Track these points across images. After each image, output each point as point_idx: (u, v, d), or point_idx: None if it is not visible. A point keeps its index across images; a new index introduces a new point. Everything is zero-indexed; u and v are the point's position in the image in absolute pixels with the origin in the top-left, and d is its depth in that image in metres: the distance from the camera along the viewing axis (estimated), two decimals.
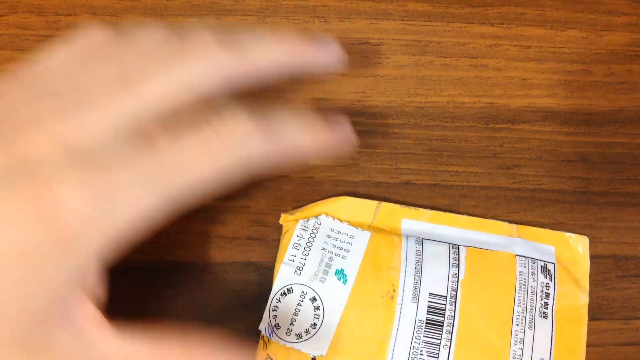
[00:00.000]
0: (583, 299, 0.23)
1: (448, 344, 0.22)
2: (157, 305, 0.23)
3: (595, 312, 0.24)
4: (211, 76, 0.17)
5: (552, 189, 0.25)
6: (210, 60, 0.17)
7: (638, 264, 0.24)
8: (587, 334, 0.23)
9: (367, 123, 0.26)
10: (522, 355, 0.22)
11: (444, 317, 0.22)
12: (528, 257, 0.23)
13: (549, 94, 0.26)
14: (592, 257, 0.24)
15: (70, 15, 0.26)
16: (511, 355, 0.22)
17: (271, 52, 0.18)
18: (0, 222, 0.14)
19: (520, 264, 0.23)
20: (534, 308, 0.22)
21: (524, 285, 0.22)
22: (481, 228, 0.24)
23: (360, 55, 0.26)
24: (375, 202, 0.24)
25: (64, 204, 0.15)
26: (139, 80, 0.16)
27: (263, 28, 0.19)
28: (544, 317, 0.22)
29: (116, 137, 0.16)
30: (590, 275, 0.24)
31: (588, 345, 0.23)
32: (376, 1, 0.27)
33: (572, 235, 0.24)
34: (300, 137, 0.18)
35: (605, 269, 0.24)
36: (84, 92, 0.16)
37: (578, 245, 0.24)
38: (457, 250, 0.23)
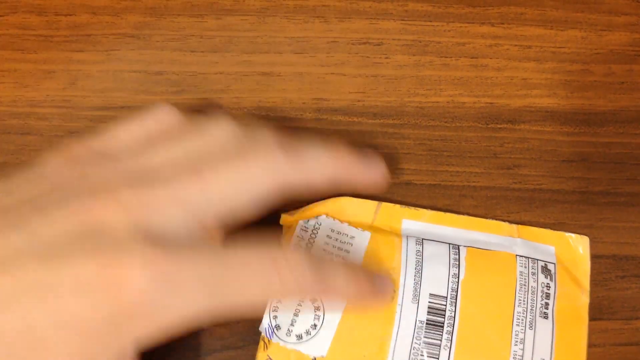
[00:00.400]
0: (583, 299, 0.23)
1: (448, 344, 0.21)
2: None
3: (596, 312, 0.24)
4: (269, 179, 0.18)
5: (553, 189, 0.25)
6: (271, 164, 0.18)
7: (638, 264, 0.24)
8: (588, 334, 0.23)
9: (367, 123, 0.26)
10: (522, 356, 0.22)
11: (444, 318, 0.22)
12: (528, 258, 0.23)
13: (549, 94, 0.26)
14: (592, 257, 0.24)
15: (71, 15, 0.26)
16: (512, 356, 0.21)
17: (326, 166, 0.19)
18: (64, 286, 0.14)
19: (521, 264, 0.23)
20: (534, 308, 0.22)
21: (525, 285, 0.22)
22: (481, 228, 0.24)
23: (360, 55, 0.26)
24: (375, 203, 0.24)
25: (130, 279, 0.14)
26: (207, 171, 0.17)
27: (319, 139, 0.20)
28: (544, 317, 0.22)
29: (185, 224, 0.16)
30: (591, 275, 0.24)
31: (588, 346, 0.23)
32: (376, 1, 0.27)
33: (573, 235, 0.24)
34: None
35: (605, 269, 0.24)
36: (154, 171, 0.17)
37: (578, 246, 0.24)
38: (457, 250, 0.23)
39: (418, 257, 0.23)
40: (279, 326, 0.21)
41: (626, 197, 0.25)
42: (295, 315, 0.21)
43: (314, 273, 0.18)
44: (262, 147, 0.18)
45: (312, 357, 0.21)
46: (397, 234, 0.23)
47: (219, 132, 0.18)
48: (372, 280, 0.20)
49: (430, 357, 0.21)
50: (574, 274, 0.23)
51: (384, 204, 0.24)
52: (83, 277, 0.14)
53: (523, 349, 0.22)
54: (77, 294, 0.14)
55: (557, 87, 0.26)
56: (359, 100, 0.26)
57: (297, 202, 0.24)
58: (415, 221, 0.24)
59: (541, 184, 0.25)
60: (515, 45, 0.27)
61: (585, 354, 0.22)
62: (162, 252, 0.15)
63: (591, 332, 0.23)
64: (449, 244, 0.23)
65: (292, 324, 0.21)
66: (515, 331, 0.22)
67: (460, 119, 0.26)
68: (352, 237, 0.23)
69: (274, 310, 0.21)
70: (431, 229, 0.24)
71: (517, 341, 0.22)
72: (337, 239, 0.23)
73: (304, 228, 0.23)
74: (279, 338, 0.21)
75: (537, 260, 0.23)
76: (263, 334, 0.21)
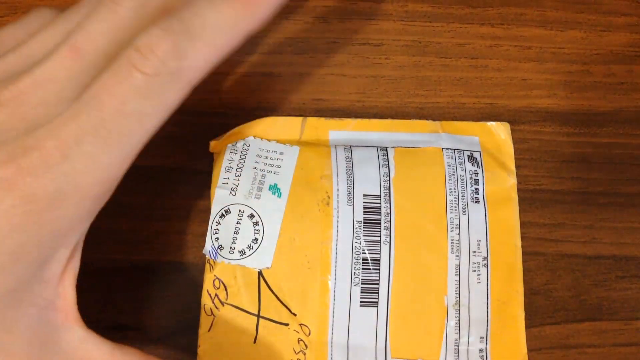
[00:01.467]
0: (511, 180, 0.24)
1: (388, 239, 0.22)
2: (156, 305, 0.23)
3: (596, 313, 0.24)
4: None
5: (552, 189, 0.25)
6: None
7: (638, 264, 0.24)
8: (587, 334, 0.23)
9: None
10: (459, 240, 0.23)
11: (380, 215, 0.23)
12: (454, 149, 0.24)
13: (549, 94, 0.26)
14: (592, 257, 0.24)
15: None
16: (449, 241, 0.23)
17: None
18: None
19: (448, 156, 0.24)
20: (465, 195, 0.23)
21: (453, 175, 0.23)
22: (406, 128, 0.25)
23: (360, 55, 0.26)
24: (300, 118, 0.25)
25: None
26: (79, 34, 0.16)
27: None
28: (475, 202, 0.23)
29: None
30: (591, 275, 0.24)
31: (588, 346, 0.23)
32: (376, 2, 0.27)
33: (494, 123, 0.25)
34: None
35: (605, 270, 0.24)
36: (33, 52, 0.16)
37: (500, 132, 0.25)
38: (385, 151, 0.24)
39: (348, 162, 0.23)
40: (221, 246, 0.22)
41: (626, 197, 0.25)
42: (236, 233, 0.22)
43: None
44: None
45: (257, 270, 0.22)
46: (326, 145, 0.24)
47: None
48: None
49: (372, 253, 0.22)
50: (500, 159, 0.24)
51: (309, 118, 0.25)
52: None
53: (459, 234, 0.23)
54: None
55: (557, 87, 0.26)
56: (358, 101, 0.26)
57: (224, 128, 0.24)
58: (341, 131, 0.24)
59: (541, 184, 0.25)
60: (515, 45, 0.27)
61: (518, 231, 0.23)
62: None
63: (591, 332, 0.23)
64: (377, 147, 0.24)
65: (233, 242, 0.22)
66: (450, 218, 0.23)
67: (460, 119, 0.26)
68: (282, 153, 0.23)
69: (215, 233, 0.22)
70: (358, 136, 0.24)
71: (452, 227, 0.23)
72: (267, 157, 0.23)
73: (233, 150, 0.23)
74: (223, 257, 0.22)
75: (463, 150, 0.24)
76: (207, 256, 0.22)
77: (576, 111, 0.26)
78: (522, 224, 0.24)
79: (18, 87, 0.15)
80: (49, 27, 0.17)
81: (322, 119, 0.25)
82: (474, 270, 0.23)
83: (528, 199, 0.25)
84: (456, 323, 0.22)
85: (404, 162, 0.23)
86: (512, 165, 0.25)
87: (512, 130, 0.26)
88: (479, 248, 0.23)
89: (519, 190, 0.25)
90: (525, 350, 0.22)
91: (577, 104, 0.26)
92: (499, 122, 0.25)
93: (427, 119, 0.25)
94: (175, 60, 0.15)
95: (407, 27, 0.27)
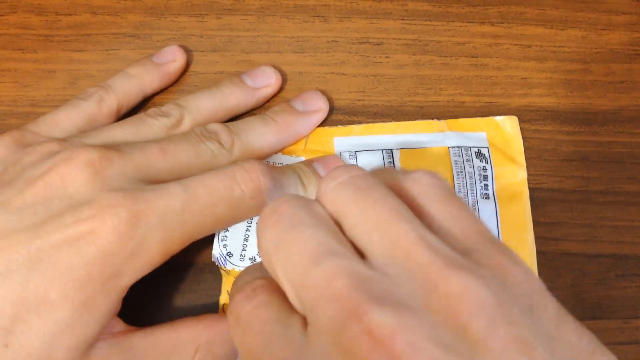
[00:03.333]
0: (521, 174, 0.24)
1: None
2: (157, 305, 0.23)
3: (595, 311, 0.24)
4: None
5: (552, 188, 0.25)
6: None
7: (638, 263, 0.24)
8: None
9: (367, 122, 0.26)
10: None
11: None
12: (461, 147, 0.24)
13: (549, 93, 0.26)
14: (592, 256, 0.24)
15: (71, 14, 0.26)
16: None
17: (265, 136, 0.23)
18: (53, 246, 0.17)
19: (454, 154, 0.24)
20: (474, 192, 0.23)
21: (461, 172, 0.23)
22: (412, 130, 0.25)
23: (360, 54, 0.26)
24: None
25: (105, 225, 0.17)
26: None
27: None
28: (485, 198, 0.23)
29: (137, 173, 0.19)
30: (591, 274, 0.24)
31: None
32: (376, 0, 0.27)
33: (501, 117, 0.25)
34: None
35: (605, 268, 0.24)
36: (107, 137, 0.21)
37: (507, 126, 0.25)
38: (390, 154, 0.24)
39: None
40: (230, 253, 0.22)
41: (626, 196, 0.25)
42: (246, 240, 0.22)
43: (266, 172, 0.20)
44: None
45: None
46: (332, 153, 0.24)
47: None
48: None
49: None
50: (509, 154, 0.24)
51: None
52: (66, 234, 0.17)
53: None
54: (65, 248, 0.17)
55: (557, 86, 0.26)
56: (359, 100, 0.26)
57: None
58: (346, 137, 0.24)
59: (541, 182, 0.25)
60: (515, 44, 0.27)
61: (531, 225, 0.23)
62: (125, 197, 0.17)
63: (591, 331, 0.23)
64: (382, 150, 0.24)
65: (243, 249, 0.22)
66: None
67: (460, 118, 0.26)
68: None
69: (222, 240, 0.22)
70: (363, 141, 0.24)
71: None
72: None
73: None
74: (233, 264, 0.22)
75: (470, 147, 0.24)
76: (217, 263, 0.22)
77: (576, 110, 0.26)
78: None
79: (123, 157, 0.19)
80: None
81: (327, 127, 0.24)
82: None
83: None
84: None
85: (409, 163, 0.23)
86: (522, 159, 0.24)
87: None
88: None
89: None
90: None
91: (577, 102, 0.26)
92: (506, 117, 0.25)
93: (428, 118, 0.25)
94: (267, 196, 0.19)
95: (407, 25, 0.27)
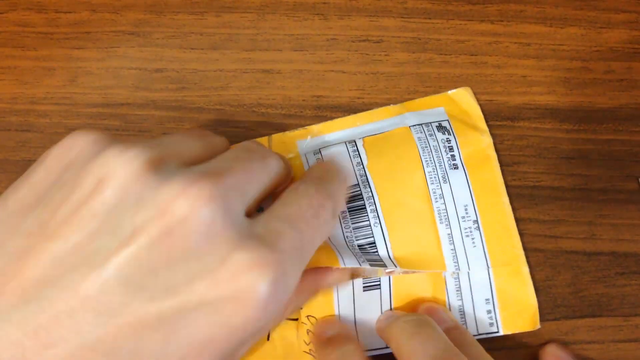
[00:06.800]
0: (486, 140, 0.24)
1: (377, 221, 0.23)
2: None
3: (595, 309, 0.24)
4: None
5: (552, 186, 0.25)
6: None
7: (637, 260, 0.24)
8: (586, 330, 0.23)
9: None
10: (446, 209, 0.23)
11: (363, 200, 0.23)
12: (422, 124, 0.24)
13: (548, 91, 0.26)
14: (592, 254, 0.24)
15: (71, 12, 0.26)
16: (436, 212, 0.23)
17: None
18: (193, 311, 0.14)
19: (416, 131, 0.24)
20: (442, 163, 0.23)
21: (426, 147, 0.23)
22: (370, 119, 0.25)
23: (360, 52, 0.26)
24: (266, 137, 0.25)
25: (253, 289, 0.15)
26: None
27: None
28: (454, 168, 0.23)
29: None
30: (590, 272, 0.24)
31: (587, 342, 0.23)
32: None
33: (454, 90, 0.25)
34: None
35: (604, 266, 0.24)
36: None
37: (463, 98, 0.25)
38: (354, 144, 0.24)
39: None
40: None
41: (625, 194, 0.25)
42: None
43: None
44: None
45: None
46: (297, 157, 0.24)
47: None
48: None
49: (365, 238, 0.22)
50: (470, 122, 0.25)
51: (275, 135, 0.25)
52: (206, 297, 0.14)
53: (445, 203, 0.23)
54: (206, 315, 0.14)
55: (556, 84, 0.26)
56: (358, 98, 0.26)
57: None
58: (308, 139, 0.25)
59: (540, 180, 0.25)
60: (515, 42, 0.27)
61: (503, 188, 0.24)
62: (266, 252, 0.15)
63: (590, 328, 0.23)
64: (345, 142, 0.24)
65: None
66: (432, 189, 0.23)
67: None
68: None
69: None
70: (326, 139, 0.25)
71: (436, 198, 0.23)
72: None
73: None
74: None
75: (431, 122, 0.24)
76: None
77: (576, 108, 0.26)
78: (522, 221, 0.24)
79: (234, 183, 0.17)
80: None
81: (287, 132, 0.25)
82: (467, 236, 0.23)
83: (527, 195, 0.25)
84: (457, 290, 0.22)
85: (374, 149, 0.24)
86: (483, 125, 0.25)
87: (511, 126, 0.26)
88: (467, 213, 0.23)
89: (517, 186, 0.25)
90: (535, 305, 0.23)
91: (576, 100, 0.26)
92: (459, 89, 0.25)
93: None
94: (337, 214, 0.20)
95: (407, 23, 0.27)
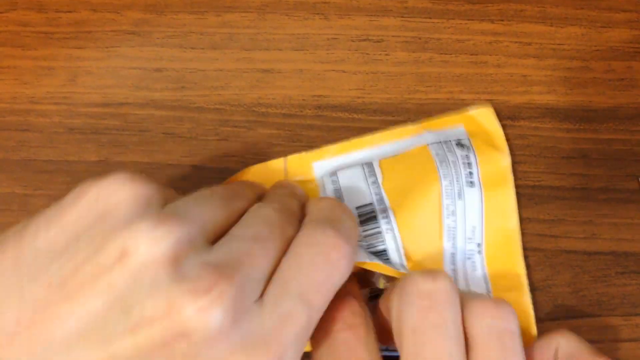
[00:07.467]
0: (505, 160, 0.24)
1: (390, 227, 0.22)
2: None
3: (595, 309, 0.24)
4: None
5: (552, 185, 0.25)
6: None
7: (637, 260, 0.24)
8: (586, 330, 0.23)
9: (367, 120, 0.26)
10: (456, 227, 0.23)
11: (375, 213, 0.23)
12: (440, 142, 0.24)
13: (548, 90, 0.26)
14: (592, 253, 0.24)
15: (71, 11, 0.26)
16: (445, 229, 0.22)
17: None
18: None
19: (434, 149, 0.23)
20: (460, 179, 0.23)
21: (444, 161, 0.23)
22: (388, 139, 0.24)
23: (360, 52, 0.26)
24: (281, 159, 0.24)
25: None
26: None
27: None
28: (470, 185, 0.23)
29: None
30: (590, 271, 0.24)
31: (587, 342, 0.23)
32: None
33: (475, 109, 0.25)
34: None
35: (604, 266, 0.24)
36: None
37: (484, 117, 0.25)
38: (370, 165, 0.24)
39: (335, 185, 0.23)
40: None
41: (625, 193, 0.25)
42: None
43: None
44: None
45: None
46: (312, 180, 0.24)
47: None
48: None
49: (379, 243, 0.22)
50: (490, 141, 0.24)
51: (290, 156, 0.24)
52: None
53: (456, 221, 0.23)
54: None
55: (556, 83, 0.26)
56: (358, 97, 0.26)
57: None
58: (324, 160, 0.24)
59: (541, 180, 0.25)
60: (515, 42, 0.27)
61: (515, 213, 0.23)
62: (266, 349, 0.15)
63: (590, 328, 0.23)
64: (362, 164, 0.24)
65: None
66: (446, 204, 0.23)
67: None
68: None
69: None
70: (342, 160, 0.24)
71: (448, 214, 0.22)
72: None
73: None
74: None
75: (450, 140, 0.24)
76: None
77: (576, 107, 0.26)
78: (522, 220, 0.24)
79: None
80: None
81: (303, 153, 0.24)
82: (468, 258, 0.23)
83: (527, 195, 0.25)
84: None
85: (391, 168, 0.23)
86: (504, 146, 0.24)
87: (511, 126, 0.26)
88: (473, 234, 0.23)
89: (518, 186, 0.25)
90: (535, 334, 0.22)
91: (576, 100, 0.26)
92: (480, 108, 0.25)
93: (428, 116, 0.25)
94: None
95: (407, 23, 0.27)
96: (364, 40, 0.27)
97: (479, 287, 0.22)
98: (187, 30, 0.26)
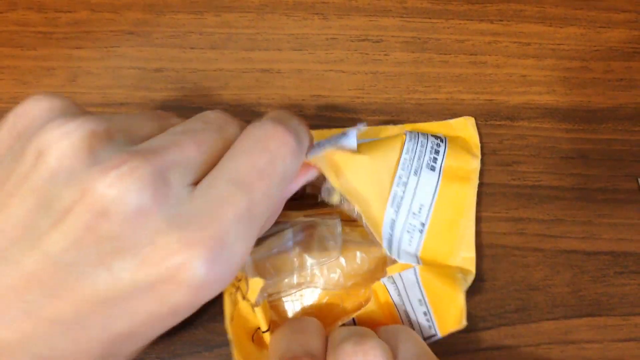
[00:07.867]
0: (474, 163, 0.24)
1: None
2: None
3: (594, 308, 0.24)
4: None
5: (551, 185, 0.25)
6: None
7: (636, 260, 0.24)
8: (585, 330, 0.23)
9: (366, 120, 0.26)
10: (402, 197, 0.22)
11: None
12: (418, 134, 0.24)
13: (548, 90, 0.26)
14: (591, 253, 0.24)
15: (70, 12, 0.26)
16: (392, 194, 0.22)
17: None
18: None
19: (409, 134, 0.23)
20: (422, 158, 0.23)
21: (414, 139, 0.23)
22: (370, 135, 0.24)
23: (360, 52, 0.26)
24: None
25: (187, 266, 0.15)
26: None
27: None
28: (431, 169, 0.23)
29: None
30: (589, 271, 0.24)
31: (586, 342, 0.23)
32: None
33: (457, 119, 0.25)
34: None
35: (603, 265, 0.24)
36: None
37: (463, 127, 0.25)
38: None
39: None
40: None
41: (625, 194, 0.25)
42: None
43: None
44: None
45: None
46: None
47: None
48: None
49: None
50: (466, 145, 0.25)
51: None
52: (138, 277, 0.15)
53: (404, 191, 0.22)
54: (144, 294, 0.15)
55: (556, 84, 0.26)
56: (358, 97, 0.26)
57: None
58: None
59: (540, 180, 0.25)
60: (514, 42, 0.27)
61: (468, 209, 0.23)
62: (196, 231, 0.15)
63: (589, 328, 0.23)
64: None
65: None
66: (400, 174, 0.22)
67: (459, 115, 0.26)
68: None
69: None
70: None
71: (399, 182, 0.22)
72: None
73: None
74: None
75: (427, 134, 0.24)
76: None
77: (575, 107, 0.26)
78: (521, 220, 0.24)
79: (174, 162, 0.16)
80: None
81: None
82: (408, 231, 0.22)
83: (527, 195, 0.25)
84: (398, 294, 0.22)
85: (362, 146, 0.23)
86: (477, 152, 0.25)
87: (510, 126, 0.26)
88: (420, 212, 0.23)
89: (517, 186, 0.25)
90: (463, 302, 0.22)
91: (576, 100, 0.26)
92: (462, 118, 0.25)
93: (427, 115, 0.25)
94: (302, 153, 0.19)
95: (406, 23, 0.27)
96: (363, 40, 0.27)
97: (409, 261, 0.22)
98: (187, 31, 0.26)
